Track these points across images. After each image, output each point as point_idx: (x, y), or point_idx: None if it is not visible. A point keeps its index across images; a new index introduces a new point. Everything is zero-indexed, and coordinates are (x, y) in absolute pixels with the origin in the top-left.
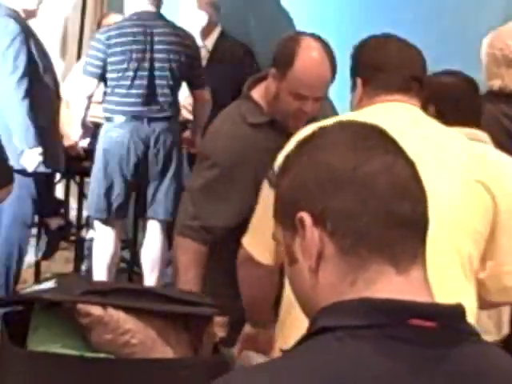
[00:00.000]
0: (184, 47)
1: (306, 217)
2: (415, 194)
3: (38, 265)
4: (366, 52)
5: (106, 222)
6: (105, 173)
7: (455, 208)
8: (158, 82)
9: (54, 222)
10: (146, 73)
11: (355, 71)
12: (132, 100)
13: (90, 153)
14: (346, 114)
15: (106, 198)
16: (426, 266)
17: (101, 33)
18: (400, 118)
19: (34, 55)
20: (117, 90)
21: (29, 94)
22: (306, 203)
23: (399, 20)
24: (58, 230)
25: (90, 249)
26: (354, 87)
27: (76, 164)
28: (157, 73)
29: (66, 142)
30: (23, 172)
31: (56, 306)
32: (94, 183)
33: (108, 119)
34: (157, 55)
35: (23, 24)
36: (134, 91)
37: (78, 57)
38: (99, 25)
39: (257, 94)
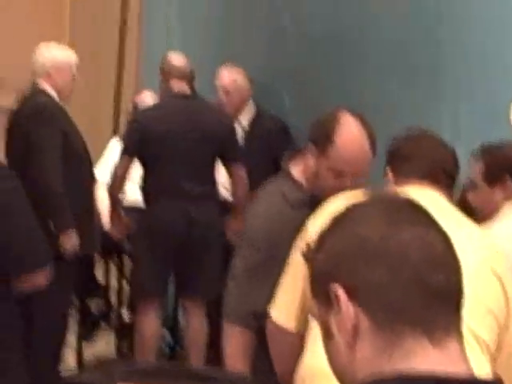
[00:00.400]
0: (219, 124)
1: (340, 291)
2: (449, 263)
3: (79, 347)
4: (398, 143)
5: (147, 301)
6: (147, 252)
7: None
8: (195, 159)
9: (94, 304)
10: (183, 151)
11: (387, 160)
12: (171, 178)
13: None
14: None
15: (148, 278)
16: (462, 337)
17: (138, 113)
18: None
19: (68, 136)
20: (156, 170)
21: (63, 177)
22: (340, 277)
23: None
24: (99, 311)
25: (131, 329)
26: (385, 175)
27: (115, 244)
28: (195, 150)
29: (106, 224)
30: (60, 256)
31: None
32: (137, 264)
33: (148, 199)
34: (193, 133)
35: (58, 105)
36: (172, 170)
37: (113, 135)
38: (134, 104)
39: (296, 170)
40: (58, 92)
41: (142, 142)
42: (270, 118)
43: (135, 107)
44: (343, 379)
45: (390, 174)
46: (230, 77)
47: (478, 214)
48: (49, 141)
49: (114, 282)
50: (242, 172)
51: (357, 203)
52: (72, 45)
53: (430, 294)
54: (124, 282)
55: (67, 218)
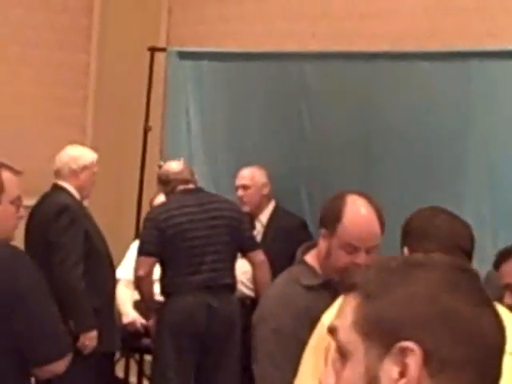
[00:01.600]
0: (231, 211)
1: (416, 350)
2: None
3: None
4: (414, 223)
5: None
6: (171, 347)
7: None
8: (214, 251)
9: None
10: (203, 243)
11: (403, 241)
12: (191, 270)
13: (148, 330)
14: None
15: (173, 373)
16: None
17: (150, 212)
18: None
19: (89, 235)
20: (176, 264)
21: (84, 275)
22: (417, 336)
23: None
24: None
25: None
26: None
27: (135, 341)
28: (213, 241)
29: (125, 320)
30: (79, 353)
31: None
32: (160, 360)
33: (169, 293)
34: (209, 222)
35: (80, 204)
36: (192, 262)
37: (135, 238)
38: (151, 206)
39: (310, 258)
40: (80, 191)
41: (160, 238)
42: (288, 216)
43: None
44: None
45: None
46: (248, 173)
47: None
48: (70, 240)
49: (133, 379)
50: (263, 257)
51: (427, 259)
52: (95, 149)
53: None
54: (143, 379)
55: (88, 318)
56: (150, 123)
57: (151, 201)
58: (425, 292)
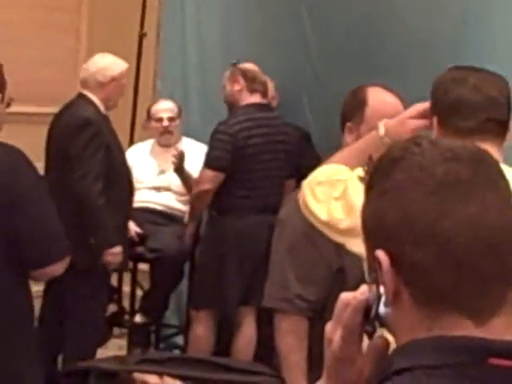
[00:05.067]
0: (290, 138)
1: (382, 257)
2: (503, 244)
3: None
4: (442, 89)
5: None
6: (232, 262)
7: None
8: (276, 175)
9: (108, 309)
10: (269, 166)
11: (432, 109)
12: (256, 193)
13: (143, 238)
14: None
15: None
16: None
17: (234, 130)
18: None
19: (110, 150)
20: (243, 184)
21: (103, 193)
22: (383, 242)
23: None
24: (111, 316)
25: (142, 335)
26: (431, 126)
27: (129, 250)
28: (275, 166)
29: None
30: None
31: (112, 375)
32: (207, 272)
33: (225, 211)
34: (276, 147)
35: (104, 117)
36: (259, 184)
37: (129, 145)
38: (148, 113)
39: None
40: (106, 102)
41: (234, 155)
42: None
43: (149, 115)
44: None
45: (436, 127)
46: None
47: None
48: (91, 155)
49: (126, 288)
50: (293, 184)
51: (414, 151)
52: (90, 55)
53: (477, 280)
54: (137, 288)
55: (111, 234)
56: (145, 30)
57: (149, 107)
58: (390, 201)
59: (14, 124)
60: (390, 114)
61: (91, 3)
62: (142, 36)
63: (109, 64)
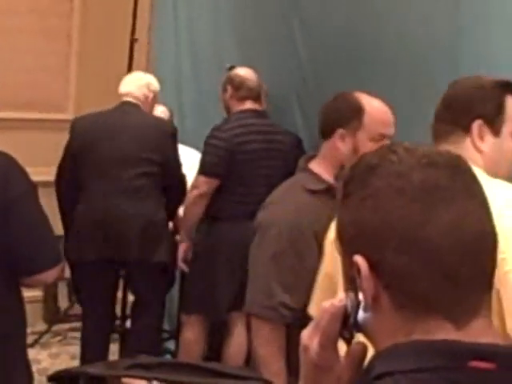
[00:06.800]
0: (286, 147)
1: (361, 263)
2: (482, 248)
3: (83, 357)
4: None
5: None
6: (221, 267)
7: None
8: (268, 183)
9: None
10: (264, 173)
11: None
12: (249, 200)
13: None
14: None
15: (212, 295)
16: (490, 311)
17: (228, 135)
18: None
19: None
20: (237, 190)
21: None
22: (362, 247)
23: None
24: None
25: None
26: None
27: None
28: (270, 173)
29: None
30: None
31: (101, 380)
32: (198, 277)
33: (218, 218)
34: (270, 153)
35: None
36: (254, 191)
37: None
38: None
39: (313, 165)
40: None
41: (229, 161)
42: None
43: None
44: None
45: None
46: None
47: None
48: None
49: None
50: None
51: (391, 158)
52: (80, 57)
53: (458, 284)
54: (128, 293)
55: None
56: (137, 35)
57: None
58: (370, 207)
59: (7, 130)
60: (387, 120)
61: (83, 9)
62: (133, 41)
63: (155, 83)
